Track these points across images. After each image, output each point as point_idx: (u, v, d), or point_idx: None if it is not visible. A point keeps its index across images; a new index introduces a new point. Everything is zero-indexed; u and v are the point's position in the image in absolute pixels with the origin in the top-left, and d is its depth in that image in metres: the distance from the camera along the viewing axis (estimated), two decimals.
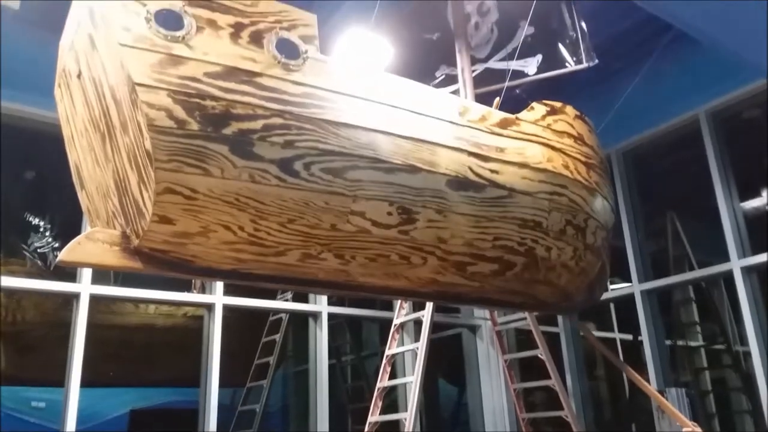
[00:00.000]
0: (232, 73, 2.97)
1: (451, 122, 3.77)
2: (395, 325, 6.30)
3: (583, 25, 5.63)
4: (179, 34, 2.92)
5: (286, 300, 7.77)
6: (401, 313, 6.33)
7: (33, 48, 4.42)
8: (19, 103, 5.82)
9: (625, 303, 7.77)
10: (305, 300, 7.70)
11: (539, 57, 5.81)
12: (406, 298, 5.48)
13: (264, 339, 8.44)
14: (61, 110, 3.72)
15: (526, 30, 5.85)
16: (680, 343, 8.53)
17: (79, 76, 3.31)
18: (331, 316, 7.64)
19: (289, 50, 3.21)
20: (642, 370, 7.79)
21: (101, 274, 6.04)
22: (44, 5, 4.19)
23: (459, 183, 3.64)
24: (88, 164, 3.53)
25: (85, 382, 5.69)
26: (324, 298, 7.61)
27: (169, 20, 2.94)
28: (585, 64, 5.51)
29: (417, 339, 6.23)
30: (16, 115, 5.94)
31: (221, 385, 6.54)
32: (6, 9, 4.01)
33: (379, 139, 3.34)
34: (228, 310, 6.84)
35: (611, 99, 6.62)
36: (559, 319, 8.11)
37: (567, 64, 5.65)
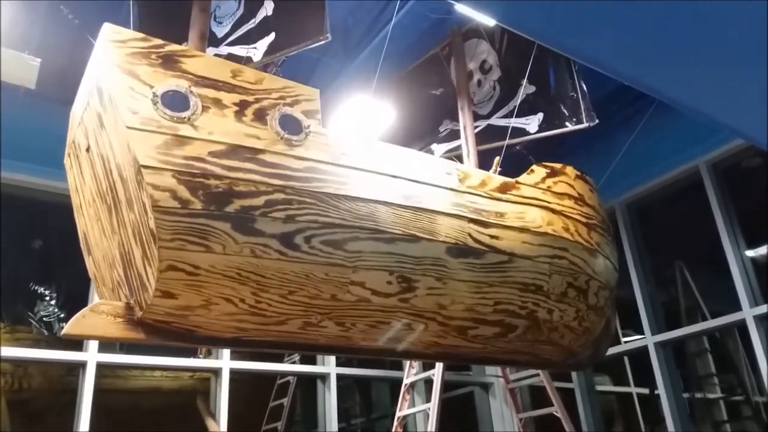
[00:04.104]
0: (235, 151, 3.07)
1: (451, 189, 3.84)
2: (405, 385, 6.23)
3: (583, 85, 5.73)
4: (185, 115, 3.03)
5: (294, 362, 7.65)
6: (411, 372, 6.26)
7: (45, 122, 4.59)
8: (29, 174, 6.00)
9: (640, 356, 7.63)
10: (313, 362, 7.58)
11: (540, 115, 5.90)
12: (410, 359, 5.48)
13: (271, 403, 8.19)
14: (71, 179, 3.83)
15: (527, 88, 5.97)
16: (698, 395, 8.31)
17: (88, 150, 3.43)
18: (339, 377, 7.48)
19: (291, 126, 3.32)
20: (660, 424, 7.62)
21: (108, 342, 6.06)
22: (59, 82, 4.38)
23: (459, 250, 3.69)
24: (95, 233, 3.63)
25: None
26: (332, 360, 7.50)
27: (175, 101, 3.06)
28: (585, 125, 5.59)
29: (428, 399, 6.13)
30: (25, 186, 6.11)
31: None
32: (20, 86, 4.22)
33: (380, 209, 3.41)
34: (235, 374, 6.75)
35: (612, 152, 6.68)
36: (574, 374, 7.96)
37: (567, 123, 5.74)
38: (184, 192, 2.86)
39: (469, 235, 3.76)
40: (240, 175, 3.03)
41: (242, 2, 4.48)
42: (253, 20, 4.32)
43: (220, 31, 4.53)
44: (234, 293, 3.07)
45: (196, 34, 4.19)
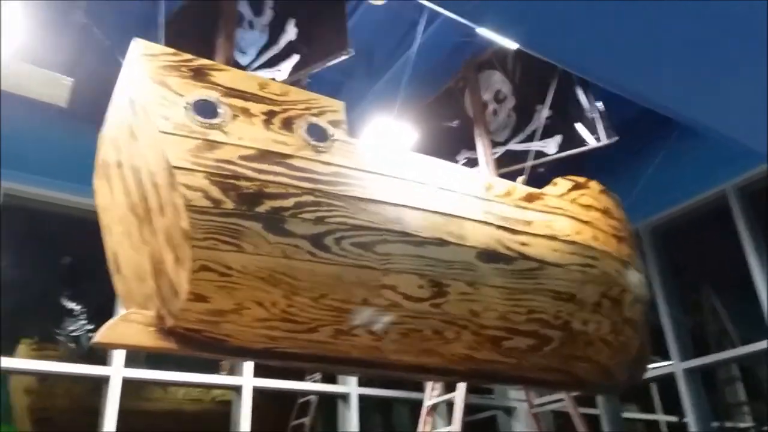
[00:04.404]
0: (265, 155, 3.11)
1: (477, 197, 3.83)
2: (427, 407, 6.06)
3: (600, 104, 5.78)
4: (215, 121, 3.09)
5: (315, 381, 7.60)
6: (433, 394, 6.11)
7: (74, 139, 4.71)
8: (58, 190, 6.11)
9: (668, 383, 7.43)
10: (334, 381, 7.53)
11: (559, 137, 5.95)
12: (441, 377, 5.31)
13: (292, 423, 8.06)
14: (99, 200, 3.87)
15: (543, 113, 6.03)
16: (728, 424, 8.01)
17: (119, 165, 3.48)
18: (361, 397, 7.43)
19: (318, 134, 3.37)
20: None
21: (132, 358, 6.08)
22: (91, 101, 4.51)
23: (489, 255, 3.64)
24: (125, 250, 3.63)
25: None
26: (353, 379, 7.43)
27: (205, 109, 3.13)
28: (605, 142, 5.61)
29: (449, 422, 5.97)
30: (54, 202, 6.23)
31: None
32: (53, 104, 4.36)
33: (407, 213, 3.40)
34: (257, 392, 6.72)
35: (637, 175, 6.68)
36: (599, 400, 7.74)
37: (587, 143, 5.77)
38: (216, 192, 2.88)
39: (498, 241, 3.72)
40: (270, 177, 3.05)
41: (266, 31, 4.63)
42: (276, 46, 4.46)
43: (244, 60, 4.68)
44: (266, 296, 3.04)
45: (222, 61, 4.32)
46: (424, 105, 7.04)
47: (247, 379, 6.68)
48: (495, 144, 6.43)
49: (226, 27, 4.33)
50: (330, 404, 7.99)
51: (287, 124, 3.32)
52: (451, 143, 6.91)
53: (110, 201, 3.72)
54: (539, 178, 6.47)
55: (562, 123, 6.03)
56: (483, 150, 6.21)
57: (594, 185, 4.85)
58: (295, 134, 3.29)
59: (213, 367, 6.57)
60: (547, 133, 6.07)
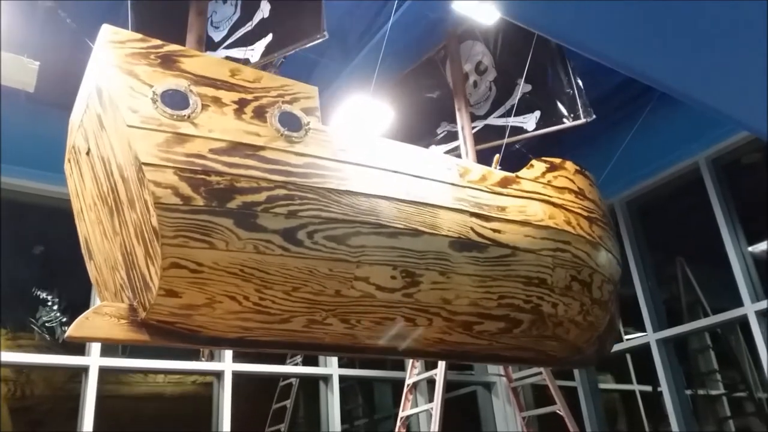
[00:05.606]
0: (236, 147, 3.07)
1: (452, 184, 3.84)
2: (408, 385, 6.22)
3: (579, 82, 5.76)
4: (185, 113, 3.03)
5: (296, 364, 7.64)
6: (413, 372, 6.25)
7: (44, 126, 4.60)
8: (29, 179, 6.01)
9: (642, 353, 7.64)
10: (315, 363, 7.61)
11: (537, 113, 5.93)
12: (414, 357, 5.45)
13: (274, 406, 8.04)
14: (71, 184, 3.82)
15: (523, 87, 6.00)
16: (701, 392, 8.31)
17: (88, 153, 3.42)
18: (342, 378, 7.53)
19: (291, 123, 3.32)
20: (663, 422, 7.59)
21: (110, 346, 6.08)
22: (57, 86, 4.38)
23: (462, 244, 3.68)
24: (97, 237, 3.61)
25: None
26: (334, 361, 7.53)
27: (175, 99, 3.06)
28: (582, 120, 5.62)
29: (431, 399, 6.14)
30: (25, 191, 6.13)
31: None
32: (20, 89, 4.23)
33: (381, 204, 3.41)
34: (237, 376, 6.78)
35: (611, 149, 6.71)
36: (576, 373, 7.96)
37: (565, 120, 5.77)
38: (185, 188, 2.85)
39: (472, 228, 3.75)
40: (241, 171, 3.02)
41: (239, 6, 4.50)
42: (249, 23, 4.35)
43: (217, 36, 4.55)
44: (238, 290, 3.05)
45: (194, 38, 4.21)
46: (404, 74, 6.95)
47: (227, 364, 6.72)
48: (475, 118, 6.40)
49: (198, 1, 4.19)
50: (312, 386, 8.06)
51: (259, 113, 3.26)
52: (430, 114, 6.85)
53: (81, 186, 3.67)
54: (517, 153, 6.50)
55: (541, 98, 6.00)
56: (463, 123, 6.18)
57: (569, 166, 4.88)
58: (267, 124, 3.25)
59: (192, 353, 6.61)
60: (526, 109, 6.04)
